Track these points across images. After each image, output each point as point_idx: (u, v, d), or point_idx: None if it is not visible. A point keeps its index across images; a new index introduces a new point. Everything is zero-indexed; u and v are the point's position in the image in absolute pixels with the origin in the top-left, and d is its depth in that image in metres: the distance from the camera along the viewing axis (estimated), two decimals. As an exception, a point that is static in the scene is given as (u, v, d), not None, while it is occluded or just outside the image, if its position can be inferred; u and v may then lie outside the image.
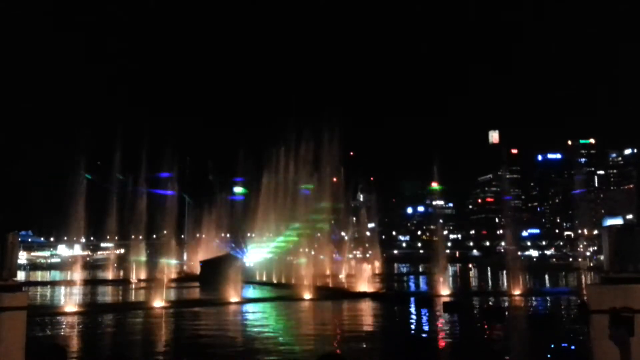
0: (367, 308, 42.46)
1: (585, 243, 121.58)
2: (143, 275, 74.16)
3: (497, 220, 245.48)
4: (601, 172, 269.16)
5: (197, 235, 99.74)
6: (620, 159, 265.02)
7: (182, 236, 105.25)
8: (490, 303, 46.10)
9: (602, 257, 10.92)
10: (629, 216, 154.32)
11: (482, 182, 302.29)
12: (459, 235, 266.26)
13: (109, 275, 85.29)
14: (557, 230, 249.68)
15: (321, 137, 68.83)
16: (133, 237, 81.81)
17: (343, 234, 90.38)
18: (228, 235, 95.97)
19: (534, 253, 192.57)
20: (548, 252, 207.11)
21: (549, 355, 23.15)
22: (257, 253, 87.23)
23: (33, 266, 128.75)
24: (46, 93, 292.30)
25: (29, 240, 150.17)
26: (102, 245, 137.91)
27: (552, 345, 25.13)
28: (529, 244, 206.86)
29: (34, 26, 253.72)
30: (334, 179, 74.78)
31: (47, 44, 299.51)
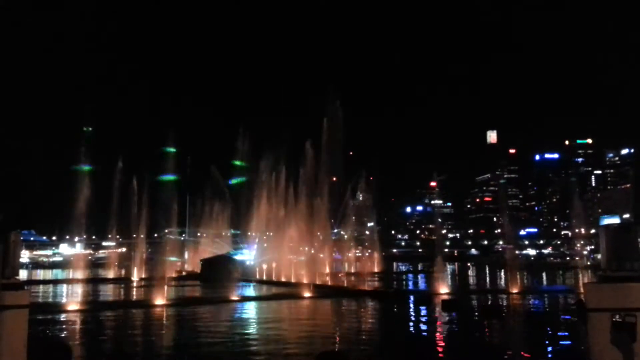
0: (366, 306, 42.75)
1: (582, 242, 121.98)
2: (144, 274, 74.40)
3: (495, 219, 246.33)
4: (598, 171, 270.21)
5: (198, 234, 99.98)
6: (617, 158, 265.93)
7: (184, 235, 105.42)
8: (488, 301, 46.54)
9: (599, 256, 11.16)
10: (626, 215, 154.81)
11: (480, 182, 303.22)
12: (458, 234, 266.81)
13: (111, 273, 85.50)
14: (554, 229, 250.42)
15: (321, 137, 69.17)
16: (135, 235, 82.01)
17: (342, 232, 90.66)
18: (229, 234, 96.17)
19: (531, 252, 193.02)
20: (545, 251, 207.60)
21: (547, 353, 23.51)
22: (257, 252, 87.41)
23: (35, 265, 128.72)
24: (47, 91, 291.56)
25: (31, 239, 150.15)
26: (104, 244, 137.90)
27: (550, 342, 25.52)
28: (526, 242, 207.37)
29: (33, 23, 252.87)
30: (334, 178, 75.12)
31: (47, 42, 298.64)
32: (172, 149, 71.76)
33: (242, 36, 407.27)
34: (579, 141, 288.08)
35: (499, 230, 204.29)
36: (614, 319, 8.61)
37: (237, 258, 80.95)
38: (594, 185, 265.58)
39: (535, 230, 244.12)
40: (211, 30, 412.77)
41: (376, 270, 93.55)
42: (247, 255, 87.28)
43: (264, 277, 72.46)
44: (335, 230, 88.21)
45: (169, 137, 73.38)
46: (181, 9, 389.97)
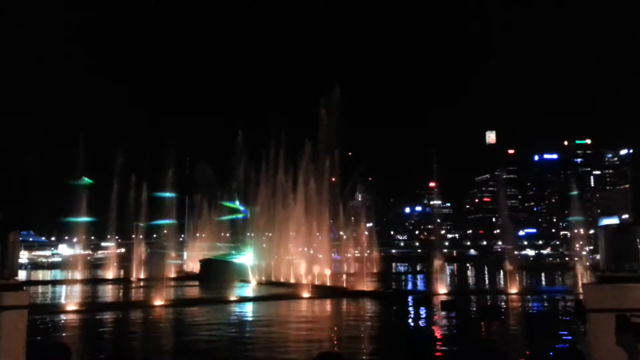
0: (365, 306, 42.77)
1: (581, 242, 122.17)
2: (143, 274, 74.44)
3: (494, 219, 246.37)
4: (597, 172, 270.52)
5: (197, 234, 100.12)
6: (616, 159, 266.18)
7: (182, 236, 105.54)
8: (487, 302, 46.59)
9: (598, 257, 11.15)
10: (625, 216, 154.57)
11: (479, 182, 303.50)
12: (457, 235, 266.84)
13: (110, 274, 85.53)
14: (553, 230, 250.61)
15: (320, 137, 69.22)
16: (134, 236, 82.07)
17: (342, 233, 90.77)
18: (228, 234, 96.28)
19: (530, 252, 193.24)
20: (544, 252, 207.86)
21: (546, 353, 23.54)
22: (256, 252, 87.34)
23: (34, 265, 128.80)
24: (48, 93, 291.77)
25: (30, 239, 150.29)
26: (103, 244, 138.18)
27: (549, 343, 25.55)
28: (525, 243, 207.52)
29: (34, 27, 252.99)
30: (333, 179, 75.09)
31: (48, 44, 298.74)
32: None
33: (244, 38, 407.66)
34: (577, 141, 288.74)
35: (498, 231, 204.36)
36: (623, 320, 8.48)
37: (237, 258, 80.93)
38: (592, 185, 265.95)
39: (534, 230, 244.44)
40: (211, 33, 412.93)
41: (375, 270, 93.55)
42: (247, 257, 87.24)
43: (263, 278, 72.43)
44: (334, 231, 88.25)
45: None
46: (181, 8, 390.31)
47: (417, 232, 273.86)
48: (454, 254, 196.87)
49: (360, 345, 25.71)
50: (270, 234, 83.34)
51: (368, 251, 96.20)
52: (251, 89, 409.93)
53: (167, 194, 71.64)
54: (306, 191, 71.06)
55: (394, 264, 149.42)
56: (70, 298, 43.10)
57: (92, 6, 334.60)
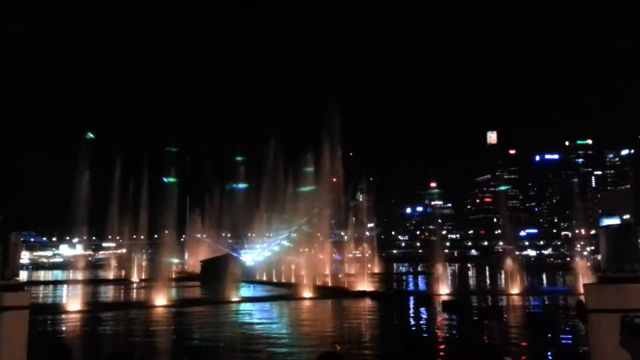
0: (366, 307, 42.76)
1: (582, 243, 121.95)
2: (144, 275, 74.50)
3: (495, 220, 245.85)
4: (598, 172, 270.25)
5: (198, 235, 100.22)
6: (617, 159, 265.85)
7: (183, 236, 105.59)
8: (488, 302, 46.56)
9: (599, 257, 11.14)
10: (626, 216, 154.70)
11: (480, 183, 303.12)
12: (458, 235, 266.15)
13: (111, 274, 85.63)
14: (554, 230, 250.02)
15: (321, 138, 69.10)
16: (134, 237, 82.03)
17: (343, 234, 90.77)
18: (228, 235, 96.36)
19: (531, 253, 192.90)
20: (545, 252, 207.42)
21: (547, 354, 23.52)
22: (257, 252, 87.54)
23: (35, 266, 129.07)
24: (48, 94, 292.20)
25: (32, 240, 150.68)
26: (104, 245, 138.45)
27: (550, 343, 25.52)
28: (526, 243, 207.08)
29: (33, 25, 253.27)
30: (334, 179, 74.99)
31: (48, 44, 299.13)
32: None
33: (245, 38, 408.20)
34: (579, 142, 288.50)
35: (499, 231, 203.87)
36: (628, 321, 8.42)
37: (237, 259, 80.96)
38: (594, 186, 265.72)
39: (536, 231, 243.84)
40: (211, 33, 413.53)
41: (376, 271, 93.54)
42: (248, 256, 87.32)
43: (265, 278, 72.46)
44: (336, 231, 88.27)
45: (169, 140, 72.99)
46: (181, 10, 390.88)
47: (418, 232, 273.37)
48: (455, 255, 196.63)
49: (361, 346, 25.71)
50: (270, 234, 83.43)
51: (369, 252, 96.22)
52: (251, 89, 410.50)
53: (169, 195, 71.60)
54: (306, 192, 71.07)
55: (395, 265, 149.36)
56: (71, 298, 43.12)
57: (92, 6, 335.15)
